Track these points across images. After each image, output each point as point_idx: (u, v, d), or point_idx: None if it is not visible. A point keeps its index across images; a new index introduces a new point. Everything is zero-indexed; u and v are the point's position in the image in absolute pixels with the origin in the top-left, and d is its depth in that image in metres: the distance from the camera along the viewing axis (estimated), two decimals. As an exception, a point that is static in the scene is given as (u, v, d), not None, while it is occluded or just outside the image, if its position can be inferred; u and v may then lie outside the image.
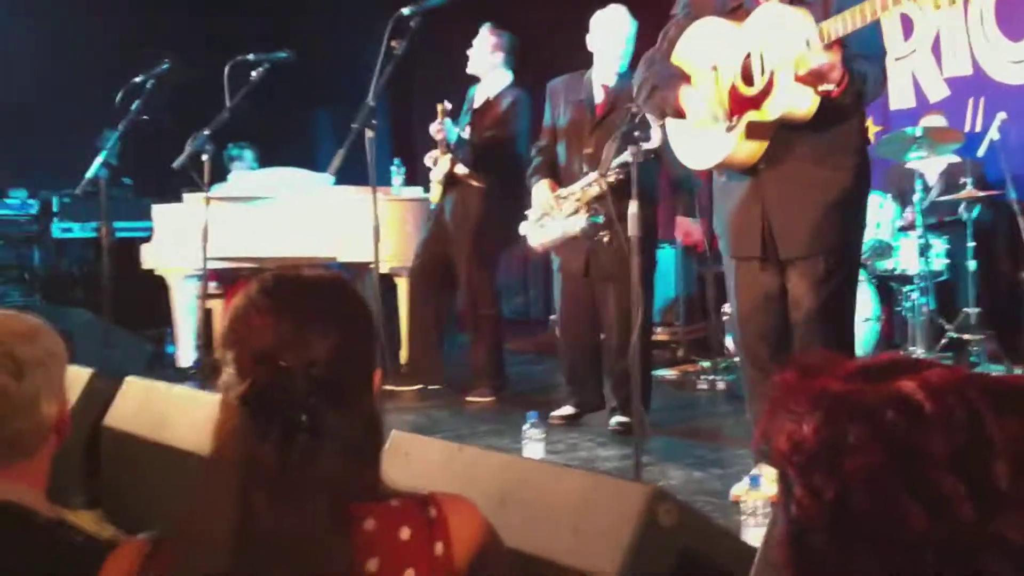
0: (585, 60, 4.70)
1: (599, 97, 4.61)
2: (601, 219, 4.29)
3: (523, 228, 4.70)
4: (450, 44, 5.76)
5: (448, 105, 5.17)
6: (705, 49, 3.28)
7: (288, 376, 1.24)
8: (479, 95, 5.38)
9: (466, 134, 5.19)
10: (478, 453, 2.19)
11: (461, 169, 5.18)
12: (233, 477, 1.23)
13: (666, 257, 6.62)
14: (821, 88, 2.95)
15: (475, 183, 5.17)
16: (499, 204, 5.10)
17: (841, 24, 2.84)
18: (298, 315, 1.29)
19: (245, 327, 1.28)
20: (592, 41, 4.63)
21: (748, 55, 3.13)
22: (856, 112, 3.21)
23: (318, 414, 1.24)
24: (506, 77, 5.31)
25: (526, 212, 4.70)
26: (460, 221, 5.23)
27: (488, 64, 5.30)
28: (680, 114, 3.29)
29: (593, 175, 4.35)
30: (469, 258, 5.21)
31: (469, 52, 5.33)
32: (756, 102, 3.11)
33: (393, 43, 3.94)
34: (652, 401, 4.48)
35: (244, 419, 1.24)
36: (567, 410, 4.70)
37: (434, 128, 5.15)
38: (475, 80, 5.41)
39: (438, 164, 5.28)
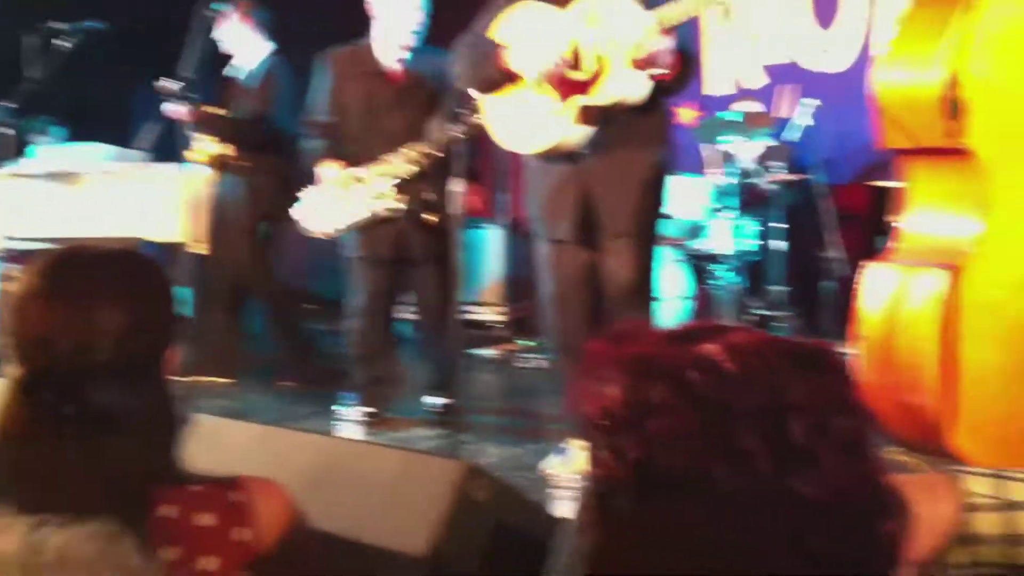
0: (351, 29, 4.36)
1: (396, 71, 4.23)
2: (423, 199, 4.08)
3: (301, 211, 4.23)
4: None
5: (171, 83, 4.63)
6: (526, 32, 3.28)
7: (63, 360, 1.20)
8: (238, 71, 5.04)
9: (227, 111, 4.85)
10: (289, 435, 2.15)
11: (222, 148, 4.88)
12: (16, 462, 1.20)
13: (492, 236, 6.66)
14: (657, 72, 3.00)
15: (242, 163, 4.87)
16: (266, 182, 4.85)
17: (677, 12, 2.90)
18: (75, 296, 1.24)
19: (20, 312, 1.24)
20: (380, 10, 4.18)
21: (577, 41, 3.15)
22: (670, 97, 3.31)
23: (98, 397, 1.20)
24: (263, 48, 4.97)
25: (298, 193, 4.26)
26: (230, 202, 4.94)
27: (239, 38, 4.97)
28: (504, 94, 3.28)
29: (409, 154, 4.08)
30: (243, 239, 4.90)
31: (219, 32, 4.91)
32: (585, 87, 3.13)
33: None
34: (474, 380, 4.47)
35: (22, 405, 1.21)
36: (366, 409, 4.18)
37: (170, 109, 4.71)
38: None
39: (201, 146, 4.89)
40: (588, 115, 3.18)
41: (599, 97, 3.13)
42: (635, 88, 3.10)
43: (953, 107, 2.32)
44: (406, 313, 4.47)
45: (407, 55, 4.17)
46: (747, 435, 0.73)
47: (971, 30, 2.31)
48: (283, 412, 4.42)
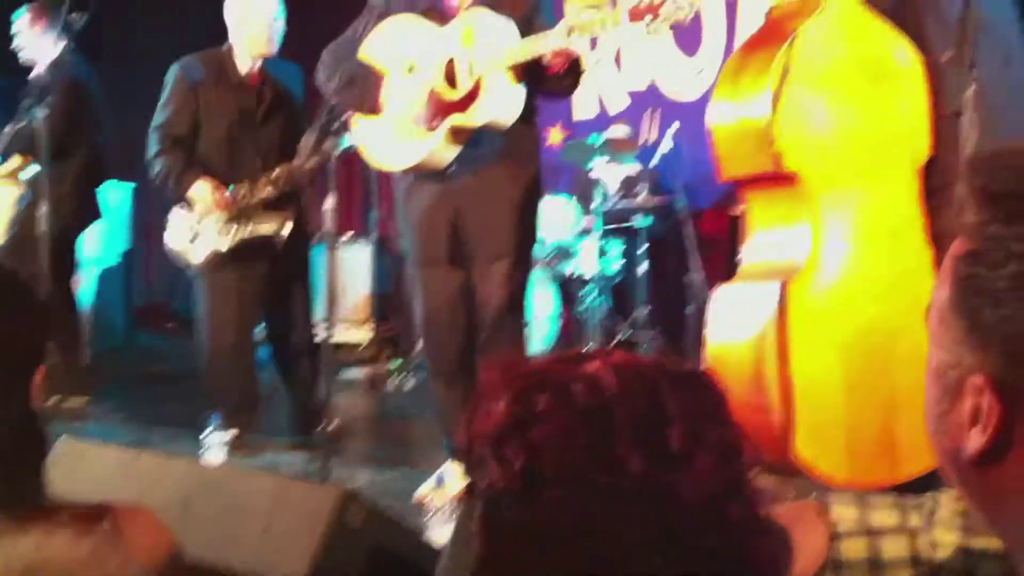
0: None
1: (256, 82, 4.07)
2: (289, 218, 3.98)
3: (176, 240, 4.03)
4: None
5: None
6: (400, 48, 3.27)
7: None
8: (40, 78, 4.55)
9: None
10: (158, 459, 2.07)
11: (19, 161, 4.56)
12: None
13: (359, 253, 6.59)
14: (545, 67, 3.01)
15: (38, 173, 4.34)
16: (67, 191, 4.57)
17: (531, 47, 2.96)
18: None
19: None
20: (237, 19, 4.01)
21: (451, 59, 3.15)
22: (535, 119, 3.35)
23: None
24: (57, 48, 4.47)
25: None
26: (30, 214, 4.49)
27: (34, 43, 4.62)
28: (376, 111, 3.26)
29: (275, 171, 3.94)
30: (43, 250, 4.34)
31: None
32: (461, 106, 3.14)
33: (73, 15, 3.62)
34: (342, 401, 4.40)
35: None
36: (226, 435, 3.97)
37: None
38: None
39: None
40: (459, 135, 3.19)
41: (472, 117, 3.14)
42: (509, 109, 3.12)
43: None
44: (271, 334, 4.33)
45: (266, 65, 4.07)
46: (627, 441, 0.77)
47: (788, 64, 2.47)
48: (141, 436, 4.25)
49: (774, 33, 2.66)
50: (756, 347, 2.52)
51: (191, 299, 4.22)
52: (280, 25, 4.02)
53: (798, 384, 2.47)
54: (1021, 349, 0.75)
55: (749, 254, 2.68)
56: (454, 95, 3.15)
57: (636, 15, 2.80)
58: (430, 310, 3.41)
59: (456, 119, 3.15)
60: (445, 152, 3.21)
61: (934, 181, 2.56)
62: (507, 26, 3.07)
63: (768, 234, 2.65)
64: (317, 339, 3.31)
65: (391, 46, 3.28)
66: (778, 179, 2.56)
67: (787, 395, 2.47)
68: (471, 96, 3.12)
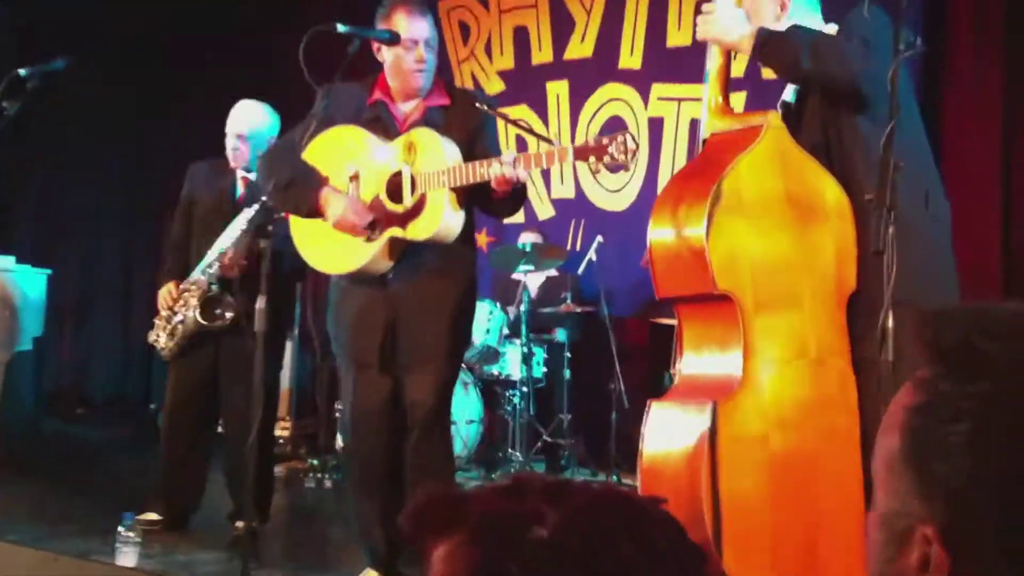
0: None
1: (240, 188, 4.33)
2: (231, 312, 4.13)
3: (155, 338, 4.30)
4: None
5: None
6: (343, 156, 3.31)
7: None
8: None
9: None
10: (75, 564, 2.01)
11: None
12: None
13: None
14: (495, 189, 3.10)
15: None
16: None
17: (475, 172, 3.05)
18: None
19: None
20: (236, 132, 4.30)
21: (396, 173, 3.21)
22: (473, 233, 3.45)
23: None
24: None
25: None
26: None
27: None
28: (316, 214, 3.28)
29: (213, 269, 4.15)
30: None
31: None
32: (403, 219, 3.19)
33: (4, 103, 3.60)
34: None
35: None
36: (152, 515, 4.14)
37: None
38: None
39: None
40: (398, 247, 3.23)
41: (413, 232, 3.18)
42: (449, 228, 3.18)
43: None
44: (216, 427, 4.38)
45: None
46: None
47: (724, 193, 2.62)
48: (49, 532, 4.08)
49: (711, 162, 2.77)
50: (689, 464, 2.56)
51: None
52: (243, 147, 4.25)
53: (726, 501, 2.52)
54: (971, 503, 0.77)
55: (683, 371, 2.75)
56: (396, 208, 3.19)
57: (582, 154, 2.92)
58: (358, 413, 3.40)
59: (396, 232, 3.19)
60: (383, 261, 3.25)
61: (858, 311, 2.67)
62: (452, 148, 3.17)
63: (701, 353, 2.72)
64: (258, 435, 3.27)
65: (335, 153, 3.31)
66: (712, 300, 2.63)
67: (717, 511, 2.51)
68: (413, 211, 3.18)
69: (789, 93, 2.96)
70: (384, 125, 3.31)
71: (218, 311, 4.14)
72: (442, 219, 3.14)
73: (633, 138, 2.93)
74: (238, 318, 4.07)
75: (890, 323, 2.21)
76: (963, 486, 0.77)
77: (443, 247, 3.24)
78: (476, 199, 3.25)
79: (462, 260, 3.39)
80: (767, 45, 2.73)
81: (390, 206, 3.21)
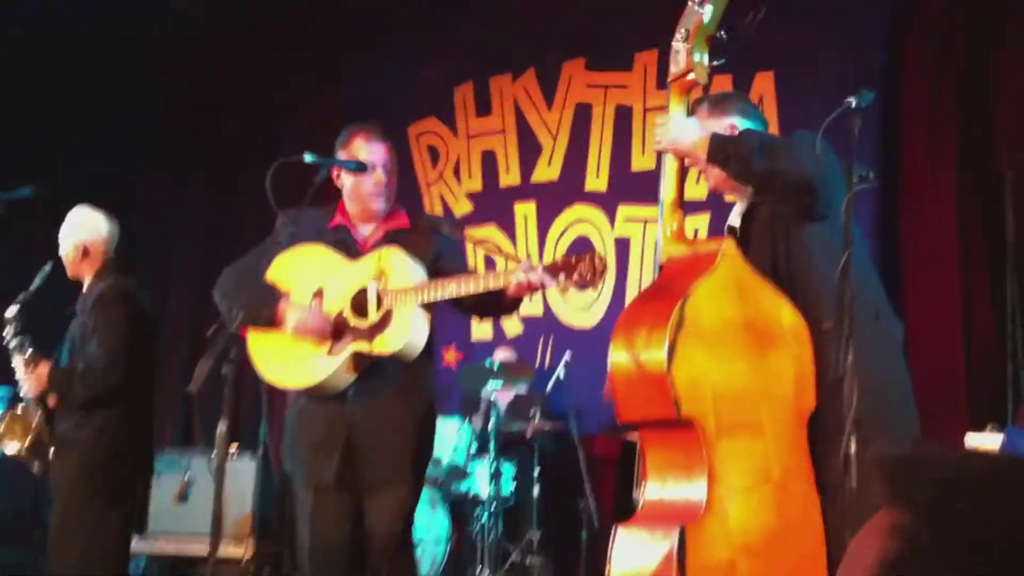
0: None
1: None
2: None
3: None
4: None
5: None
6: (307, 273, 3.34)
7: None
8: None
9: None
10: None
11: None
12: None
13: (243, 468, 6.43)
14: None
15: None
16: None
17: (444, 291, 3.12)
18: None
19: None
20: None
21: (363, 289, 3.24)
22: (432, 351, 3.45)
23: None
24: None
25: None
26: None
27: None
28: (275, 323, 3.29)
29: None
30: None
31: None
32: (369, 334, 3.21)
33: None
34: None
35: None
36: None
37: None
38: None
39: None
40: (361, 362, 3.24)
41: (378, 347, 3.20)
42: (415, 342, 3.21)
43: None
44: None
45: None
46: None
47: (683, 319, 2.66)
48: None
49: (669, 287, 2.82)
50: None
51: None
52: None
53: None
54: None
55: (648, 496, 2.75)
56: (362, 323, 3.22)
57: (552, 271, 2.97)
58: (316, 540, 3.34)
59: (360, 346, 3.21)
60: (344, 377, 3.25)
61: (818, 433, 2.70)
62: (417, 267, 3.23)
63: (665, 479, 2.73)
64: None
65: (299, 271, 3.35)
66: (674, 426, 2.65)
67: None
68: (379, 326, 3.20)
69: (734, 218, 3.04)
70: (347, 248, 3.37)
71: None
72: (410, 332, 3.17)
73: (601, 258, 2.97)
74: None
75: (852, 450, 2.23)
76: None
77: (403, 365, 3.25)
78: (478, 308, 3.34)
79: (422, 377, 3.39)
80: (720, 148, 2.80)
81: (355, 321, 3.24)
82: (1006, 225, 4.90)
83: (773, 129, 5.79)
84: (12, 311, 4.01)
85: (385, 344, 3.19)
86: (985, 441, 4.11)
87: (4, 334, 3.99)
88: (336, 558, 3.31)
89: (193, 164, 7.96)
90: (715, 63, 2.90)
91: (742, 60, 5.48)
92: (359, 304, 3.24)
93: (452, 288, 3.11)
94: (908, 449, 0.86)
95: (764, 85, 5.91)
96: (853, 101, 2.55)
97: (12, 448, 3.87)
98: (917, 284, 5.13)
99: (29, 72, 7.27)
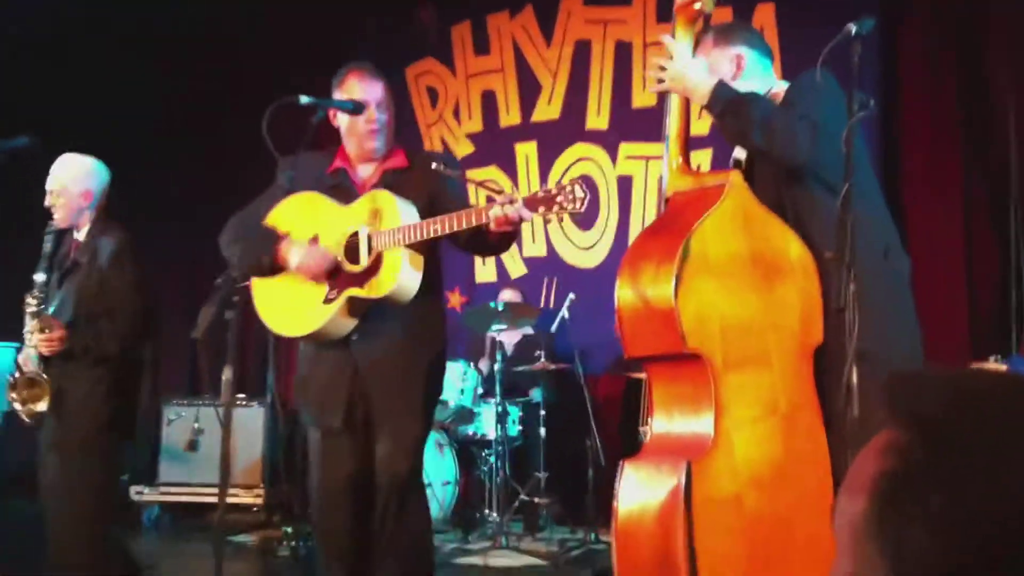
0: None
1: (72, 252, 4.06)
2: None
3: None
4: None
5: None
6: (304, 221, 3.32)
7: None
8: None
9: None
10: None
11: None
12: None
13: (252, 415, 6.48)
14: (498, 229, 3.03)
15: None
16: None
17: (428, 229, 3.06)
18: None
19: None
20: None
21: (355, 234, 3.23)
22: (440, 291, 3.46)
23: None
24: None
25: None
26: None
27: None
28: (278, 268, 3.29)
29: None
30: None
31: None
32: (360, 279, 3.19)
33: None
34: (232, 567, 4.25)
35: None
36: None
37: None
38: None
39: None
40: (357, 306, 3.22)
41: (370, 291, 3.18)
42: (406, 285, 3.18)
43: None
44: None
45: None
46: None
47: (689, 253, 2.66)
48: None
49: (676, 220, 2.80)
50: (663, 525, 2.56)
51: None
52: (59, 202, 3.99)
53: (703, 562, 2.51)
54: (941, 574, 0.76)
55: (655, 430, 2.75)
56: (354, 268, 3.21)
57: (532, 204, 2.92)
58: (326, 483, 3.36)
59: (353, 292, 3.19)
60: (343, 322, 3.24)
61: (824, 365, 2.70)
62: (408, 208, 3.18)
63: (672, 412, 2.73)
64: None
65: (295, 219, 3.33)
66: (682, 359, 2.65)
67: (693, 570, 2.50)
68: (371, 270, 3.18)
69: (740, 151, 3.01)
70: (345, 191, 3.34)
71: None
72: (398, 277, 3.14)
73: (581, 186, 2.91)
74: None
75: (854, 379, 2.23)
76: (932, 561, 0.76)
77: (411, 307, 3.23)
78: (471, 245, 3.26)
79: (430, 319, 3.37)
80: (721, 104, 2.79)
81: (348, 267, 3.22)
82: (1009, 152, 4.86)
83: (775, 61, 5.76)
84: (41, 277, 3.97)
85: (376, 288, 3.17)
86: (990, 371, 4.10)
87: (29, 299, 3.95)
88: (344, 499, 3.32)
89: (194, 163, 7.81)
90: None
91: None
92: (352, 249, 3.23)
93: (438, 227, 3.08)
94: (915, 368, 0.85)
95: (765, 16, 5.83)
96: (853, 28, 2.50)
97: (43, 406, 3.86)
98: (919, 215, 5.10)
99: (29, 72, 7.17)
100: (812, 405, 2.71)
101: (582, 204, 2.87)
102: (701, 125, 5.99)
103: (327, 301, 3.23)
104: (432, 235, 3.09)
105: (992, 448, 0.77)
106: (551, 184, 2.98)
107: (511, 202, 2.95)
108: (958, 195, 5.15)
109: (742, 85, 2.89)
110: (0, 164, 3.61)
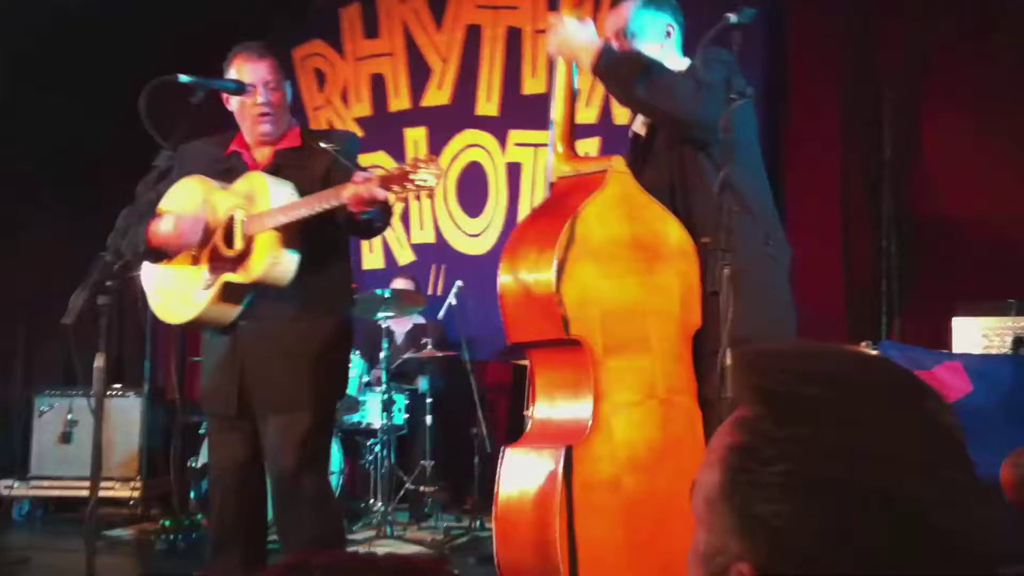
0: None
1: None
2: None
3: None
4: None
5: None
6: (193, 205, 3.21)
7: None
8: None
9: None
10: None
11: None
12: None
13: (128, 405, 6.28)
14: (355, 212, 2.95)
15: None
16: None
17: (297, 211, 2.97)
18: None
19: None
20: None
21: (231, 217, 3.13)
22: (343, 266, 3.33)
23: None
24: None
25: None
26: None
27: None
28: (156, 246, 3.17)
29: None
30: None
31: None
32: (235, 264, 3.10)
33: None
34: (107, 564, 4.11)
35: None
36: None
37: None
38: None
39: None
40: (233, 291, 3.12)
41: (243, 275, 3.08)
42: (278, 268, 3.07)
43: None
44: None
45: None
46: None
47: (572, 239, 2.65)
48: None
49: (558, 206, 2.79)
50: (542, 509, 2.55)
51: None
52: None
53: (582, 547, 2.51)
54: (786, 543, 0.78)
55: (536, 416, 2.74)
56: (229, 253, 3.11)
57: (386, 182, 2.81)
58: (217, 470, 3.29)
59: (228, 276, 3.10)
60: (223, 309, 3.15)
61: (702, 350, 2.72)
62: (281, 190, 3.08)
63: (554, 398, 2.72)
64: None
65: (184, 203, 3.22)
66: (563, 346, 2.64)
67: (573, 556, 2.50)
68: (244, 254, 3.09)
69: (638, 124, 3.02)
70: (237, 174, 3.23)
71: None
72: (266, 260, 3.04)
73: (434, 160, 2.82)
74: None
75: (728, 362, 2.25)
76: (779, 526, 0.78)
77: (305, 288, 3.14)
78: (347, 227, 3.13)
79: (328, 303, 3.25)
80: (606, 62, 2.80)
81: (224, 251, 3.13)
82: (884, 145, 5.00)
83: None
84: None
85: (248, 272, 3.07)
86: (862, 357, 4.22)
87: None
88: (234, 486, 3.23)
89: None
90: None
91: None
92: (229, 233, 3.13)
93: (303, 210, 2.99)
94: (762, 345, 0.88)
95: None
96: (733, 17, 2.53)
97: None
98: (800, 203, 5.21)
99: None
100: (690, 388, 2.74)
101: (436, 180, 2.80)
102: (589, 113, 6.02)
103: (205, 288, 3.13)
104: (300, 217, 3.00)
105: (831, 419, 0.79)
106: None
107: (367, 181, 2.89)
108: (836, 185, 5.28)
109: (666, 57, 2.90)
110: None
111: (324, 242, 3.15)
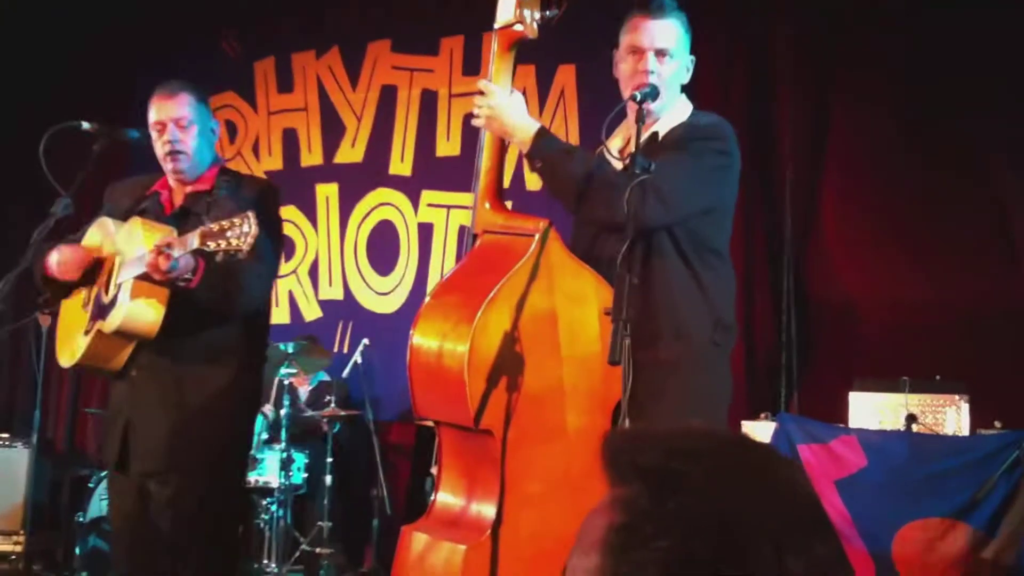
0: None
1: None
2: None
3: None
4: None
5: None
6: (99, 247, 3.15)
7: None
8: None
9: None
10: None
11: None
12: None
13: (16, 457, 6.03)
14: (181, 281, 2.84)
15: None
16: None
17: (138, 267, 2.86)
18: None
19: None
20: None
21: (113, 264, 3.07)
22: (240, 320, 3.10)
23: None
24: None
25: None
26: None
27: None
28: (49, 279, 3.11)
29: None
30: None
31: None
32: (104, 312, 3.01)
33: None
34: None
35: None
36: None
37: None
38: None
39: None
40: (104, 340, 3.00)
41: (107, 323, 2.96)
42: (135, 320, 2.92)
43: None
44: None
45: None
46: None
47: (489, 318, 2.47)
48: None
49: (480, 276, 2.61)
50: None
51: None
52: None
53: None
54: None
55: (439, 497, 2.61)
56: (106, 299, 3.04)
57: (206, 237, 2.67)
58: (113, 521, 3.25)
59: (99, 324, 3.00)
60: (102, 354, 3.05)
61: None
62: (151, 236, 2.94)
63: (459, 484, 2.59)
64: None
65: (95, 245, 3.16)
66: (471, 431, 2.48)
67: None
68: (113, 302, 2.99)
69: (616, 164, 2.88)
70: (155, 215, 3.14)
71: None
72: (124, 312, 2.91)
73: (247, 218, 2.63)
74: None
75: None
76: None
77: (195, 344, 3.04)
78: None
79: (228, 355, 3.10)
80: (542, 156, 2.64)
81: (103, 297, 3.06)
82: (784, 223, 5.14)
83: (572, 122, 5.92)
84: None
85: (108, 323, 2.96)
86: (759, 429, 4.30)
87: None
88: (124, 537, 3.13)
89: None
90: (547, 14, 2.67)
91: (546, 52, 5.55)
92: (108, 278, 3.08)
93: (143, 264, 2.82)
94: (625, 428, 0.90)
95: (566, 77, 5.98)
96: (637, 95, 2.58)
97: None
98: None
99: None
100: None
101: (250, 240, 2.61)
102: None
103: (85, 333, 3.07)
104: (142, 270, 2.83)
105: (707, 490, 0.81)
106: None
107: (178, 243, 2.75)
108: (740, 262, 5.40)
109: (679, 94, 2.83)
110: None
111: (221, 288, 2.97)
